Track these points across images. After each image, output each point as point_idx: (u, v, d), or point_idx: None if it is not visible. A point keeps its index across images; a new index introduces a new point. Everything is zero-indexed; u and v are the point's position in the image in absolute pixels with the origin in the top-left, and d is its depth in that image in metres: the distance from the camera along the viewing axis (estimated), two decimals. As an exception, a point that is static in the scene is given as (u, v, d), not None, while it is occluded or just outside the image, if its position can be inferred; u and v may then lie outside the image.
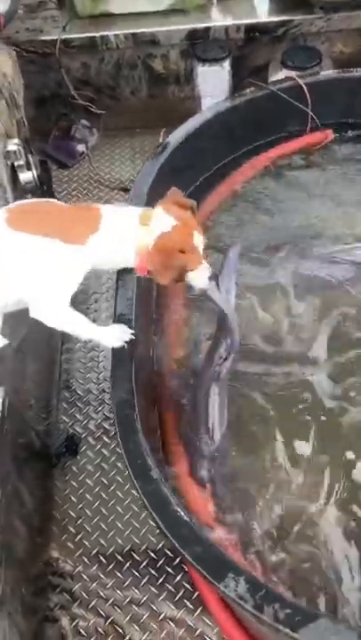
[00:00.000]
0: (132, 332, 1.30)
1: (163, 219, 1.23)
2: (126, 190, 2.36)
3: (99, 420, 1.73)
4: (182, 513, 0.99)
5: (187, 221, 1.25)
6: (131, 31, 2.29)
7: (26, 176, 1.63)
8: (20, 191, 1.64)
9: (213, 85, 2.31)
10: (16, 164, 1.59)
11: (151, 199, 1.54)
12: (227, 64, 2.28)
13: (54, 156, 2.41)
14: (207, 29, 2.30)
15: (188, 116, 2.08)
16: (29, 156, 1.63)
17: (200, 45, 2.30)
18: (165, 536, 0.98)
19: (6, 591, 1.14)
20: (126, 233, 1.24)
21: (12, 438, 1.28)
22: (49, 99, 2.42)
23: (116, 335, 1.27)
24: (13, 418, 1.28)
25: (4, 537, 1.17)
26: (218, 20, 2.34)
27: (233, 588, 0.90)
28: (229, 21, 2.33)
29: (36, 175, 1.63)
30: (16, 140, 1.59)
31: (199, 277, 1.28)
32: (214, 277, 1.32)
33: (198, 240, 1.25)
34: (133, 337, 1.29)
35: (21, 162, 1.60)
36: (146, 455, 1.07)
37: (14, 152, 1.57)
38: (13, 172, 1.60)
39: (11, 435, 1.27)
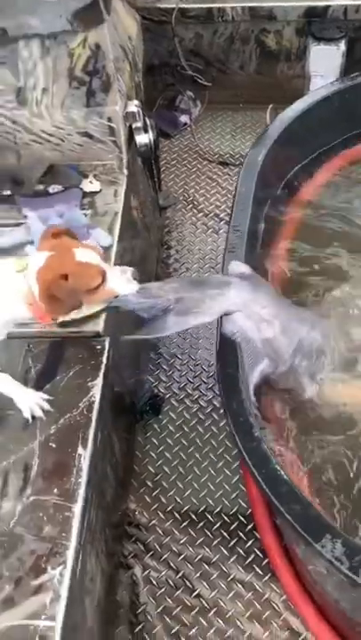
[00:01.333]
0: (47, 406, 1.22)
1: (36, 257, 1.16)
2: (225, 164, 2.39)
3: (182, 384, 1.78)
4: (282, 472, 1.03)
5: (61, 245, 1.17)
6: (249, 4, 2.29)
7: (142, 139, 1.67)
8: (133, 153, 1.70)
9: (326, 65, 2.29)
10: (134, 125, 1.64)
11: (264, 168, 1.57)
12: (342, 44, 2.26)
13: (157, 124, 2.46)
14: (326, 8, 2.27)
15: (294, 95, 2.07)
16: (147, 119, 1.68)
17: (316, 24, 2.28)
18: (265, 492, 1.02)
19: (96, 530, 1.21)
20: (5, 287, 1.16)
21: (111, 390, 1.34)
22: (158, 67, 2.46)
23: (30, 403, 1.22)
24: (113, 370, 1.35)
25: (99, 479, 1.23)
26: (337, -1, 2.33)
27: (330, 549, 0.93)
28: (349, 1, 2.29)
29: (152, 139, 1.69)
30: (136, 102, 1.63)
31: (115, 285, 1.17)
32: (135, 275, 1.21)
33: (85, 255, 1.16)
34: (42, 412, 1.21)
35: (139, 124, 1.65)
36: (248, 414, 1.11)
37: (134, 114, 1.62)
38: (130, 133, 1.66)
39: (111, 384, 1.34)
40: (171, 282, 1.31)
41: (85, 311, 1.22)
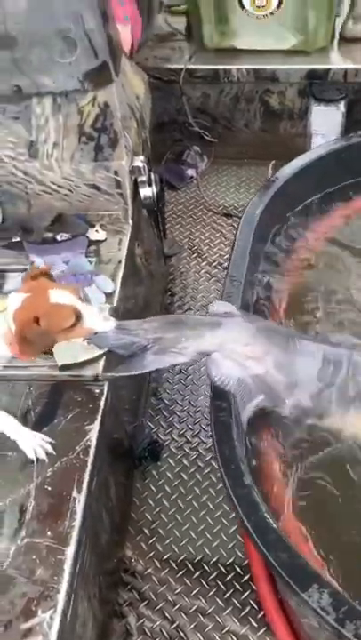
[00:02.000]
0: (50, 448, 1.22)
1: (14, 298, 1.21)
2: (228, 216, 2.46)
3: (182, 431, 1.79)
4: (271, 520, 1.03)
5: (37, 287, 1.21)
6: (253, 66, 2.39)
7: (146, 192, 1.73)
8: (137, 205, 1.76)
9: (326, 125, 2.37)
10: (139, 179, 1.70)
11: (261, 222, 1.62)
12: (342, 106, 2.35)
13: (165, 177, 2.54)
14: (326, 71, 2.38)
15: (296, 152, 2.13)
16: (151, 173, 1.75)
17: (318, 85, 2.37)
18: (253, 540, 1.02)
19: (89, 575, 1.21)
20: None
21: (110, 432, 1.36)
22: (167, 124, 2.56)
23: (34, 444, 1.23)
24: (112, 413, 1.36)
25: (93, 522, 1.24)
26: (337, 62, 2.42)
27: (316, 600, 0.92)
28: (349, 65, 2.39)
29: (155, 192, 1.75)
30: (142, 158, 1.70)
31: (92, 324, 1.21)
32: (113, 312, 1.26)
33: (59, 296, 1.19)
34: (46, 454, 1.22)
35: (144, 178, 1.71)
36: (240, 461, 1.11)
37: (139, 168, 1.68)
38: (135, 186, 1.72)
39: (109, 428, 1.35)
40: (149, 320, 1.31)
41: (84, 356, 1.26)
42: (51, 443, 1.24)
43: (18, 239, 1.65)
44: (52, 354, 1.29)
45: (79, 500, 1.16)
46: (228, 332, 1.27)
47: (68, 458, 1.22)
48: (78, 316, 1.19)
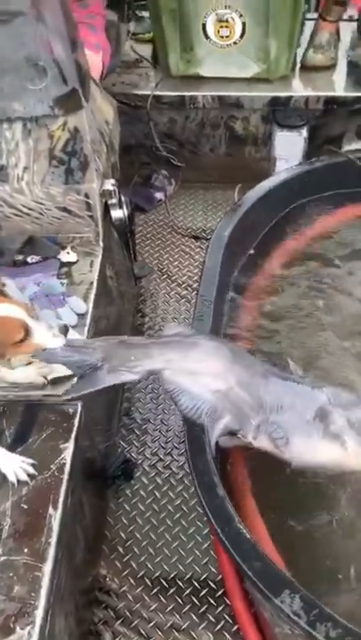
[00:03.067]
0: (31, 470, 1.24)
1: None
2: (197, 238, 2.51)
3: (155, 449, 1.81)
4: (244, 530, 1.07)
5: None
6: (218, 93, 2.46)
7: (117, 214, 1.78)
8: (108, 227, 1.80)
9: (289, 150, 2.46)
10: (110, 202, 1.75)
11: (230, 243, 1.67)
12: (304, 131, 2.44)
13: (134, 200, 2.58)
14: (288, 98, 2.46)
15: (261, 176, 2.21)
16: (122, 196, 1.79)
17: (280, 112, 2.46)
18: (227, 550, 1.05)
19: (65, 592, 1.22)
20: None
21: (82, 454, 1.38)
22: (134, 147, 2.61)
23: (14, 467, 1.24)
24: (84, 434, 1.38)
25: (69, 540, 1.25)
26: (299, 90, 2.51)
27: (288, 604, 0.96)
28: (310, 92, 2.49)
29: (126, 214, 1.79)
30: (112, 181, 1.74)
31: (41, 339, 1.21)
32: (64, 330, 1.26)
33: (7, 309, 1.20)
34: (28, 477, 1.23)
35: (114, 200, 1.76)
36: (213, 474, 1.15)
37: (110, 191, 1.73)
38: (106, 209, 1.76)
39: (83, 447, 1.37)
40: (98, 340, 1.34)
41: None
42: (32, 464, 1.26)
43: (-12, 261, 1.68)
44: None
45: (55, 517, 1.18)
46: (175, 350, 1.29)
47: (43, 476, 1.24)
48: (27, 331, 1.19)
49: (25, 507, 1.20)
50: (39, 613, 1.06)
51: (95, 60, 2.12)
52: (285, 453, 1.27)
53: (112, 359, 1.27)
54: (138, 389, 1.96)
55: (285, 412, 1.28)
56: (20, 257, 1.68)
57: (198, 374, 1.27)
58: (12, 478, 1.23)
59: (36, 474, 1.24)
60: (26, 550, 1.13)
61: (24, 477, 1.23)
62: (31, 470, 1.24)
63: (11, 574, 1.11)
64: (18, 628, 1.04)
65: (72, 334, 1.48)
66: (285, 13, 2.34)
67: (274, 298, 1.75)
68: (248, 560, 1.02)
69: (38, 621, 1.05)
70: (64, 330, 1.24)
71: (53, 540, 1.15)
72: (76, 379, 1.32)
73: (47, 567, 1.11)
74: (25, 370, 1.33)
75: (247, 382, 1.28)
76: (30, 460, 1.25)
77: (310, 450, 1.29)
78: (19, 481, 1.23)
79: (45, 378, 1.36)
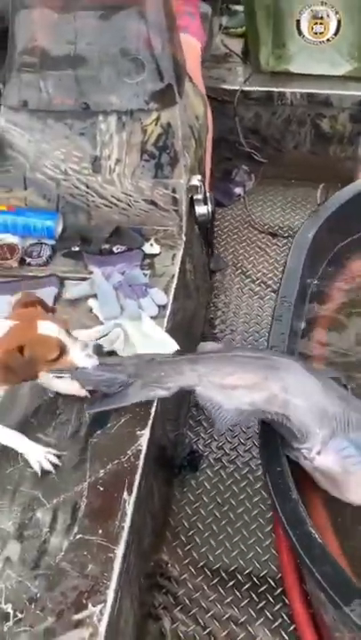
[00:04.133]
0: (57, 462, 1.26)
1: (1, 325, 1.20)
2: (274, 235, 2.51)
3: (221, 443, 1.84)
4: (316, 534, 1.08)
5: (27, 315, 1.22)
6: (307, 90, 2.45)
7: (201, 209, 1.80)
8: (191, 222, 1.83)
9: (377, 151, 2.44)
10: (195, 197, 1.78)
11: (315, 245, 1.67)
12: (393, 132, 2.41)
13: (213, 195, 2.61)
14: (379, 98, 2.44)
15: (345, 176, 2.19)
16: (207, 192, 1.81)
17: (370, 112, 2.44)
18: (298, 553, 1.06)
19: (133, 575, 1.26)
20: None
21: (156, 441, 1.41)
22: (217, 142, 2.62)
23: (39, 457, 1.26)
24: (157, 424, 1.41)
25: (139, 525, 1.29)
26: (390, 89, 2.48)
27: (359, 614, 0.97)
28: None
29: (210, 210, 1.81)
30: (199, 177, 1.76)
31: (75, 359, 1.22)
32: (97, 351, 1.24)
33: (47, 327, 1.19)
34: (52, 467, 1.26)
35: (199, 196, 1.78)
36: (287, 477, 1.16)
37: (196, 187, 1.75)
38: (191, 204, 1.78)
39: (156, 438, 1.41)
40: (128, 358, 1.35)
41: None
42: (102, 446, 1.31)
43: (77, 249, 1.73)
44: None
45: (129, 502, 1.21)
46: (205, 366, 1.27)
47: (120, 461, 1.28)
48: (62, 350, 1.20)
49: (101, 489, 1.24)
50: (110, 593, 1.10)
51: (196, 47, 2.14)
52: (350, 483, 1.21)
53: (143, 376, 1.28)
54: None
55: (353, 433, 1.22)
56: (107, 246, 1.73)
57: (232, 388, 1.23)
58: (36, 467, 1.26)
59: (60, 464, 1.27)
60: (100, 531, 1.17)
61: (48, 467, 1.26)
62: (55, 460, 1.27)
63: (85, 553, 1.15)
64: (90, 605, 1.08)
65: (150, 324, 1.52)
66: (383, 11, 2.30)
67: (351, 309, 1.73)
68: (319, 565, 1.03)
69: (109, 601, 1.09)
70: (98, 350, 1.25)
71: (127, 524, 1.18)
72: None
73: (119, 550, 1.15)
74: (70, 382, 1.36)
75: (299, 390, 1.23)
76: (54, 451, 1.28)
77: None
78: (43, 470, 1.26)
79: (88, 391, 1.39)
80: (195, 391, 1.26)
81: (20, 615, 1.08)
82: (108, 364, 1.31)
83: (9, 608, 1.08)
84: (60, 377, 1.33)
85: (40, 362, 1.20)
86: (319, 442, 1.21)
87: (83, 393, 1.39)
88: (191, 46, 2.12)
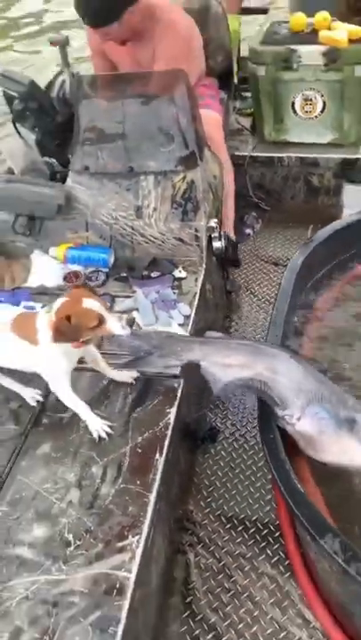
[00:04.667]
0: (110, 431, 1.30)
1: (58, 302, 1.24)
2: (276, 264, 2.50)
3: (234, 421, 1.84)
4: (299, 486, 1.09)
5: (74, 295, 1.24)
6: (300, 155, 2.47)
7: (217, 245, 1.83)
8: (210, 253, 1.86)
9: (354, 200, 2.41)
10: (213, 235, 1.81)
11: (302, 270, 1.69)
12: (368, 185, 2.40)
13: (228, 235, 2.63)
14: (356, 159, 2.42)
15: (330, 219, 2.19)
16: (222, 232, 1.85)
17: (349, 170, 2.43)
18: (286, 500, 1.07)
19: (163, 517, 1.28)
20: (42, 322, 1.25)
21: (182, 417, 1.44)
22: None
23: (97, 427, 1.30)
24: (183, 404, 1.44)
25: (168, 479, 1.31)
26: (366, 153, 2.48)
27: (330, 545, 0.98)
28: (374, 156, 2.45)
29: (223, 245, 1.84)
30: (215, 220, 1.80)
31: (111, 327, 1.22)
32: (130, 323, 1.26)
33: (89, 303, 1.20)
34: (107, 436, 1.29)
35: (216, 234, 1.82)
36: (277, 440, 1.17)
37: (213, 227, 1.79)
38: (209, 241, 1.82)
39: (182, 412, 1.44)
40: (154, 333, 1.36)
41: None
42: (138, 419, 1.34)
43: (124, 275, 1.78)
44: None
45: (160, 461, 1.25)
46: (210, 347, 1.30)
47: (153, 430, 1.31)
48: (101, 320, 1.21)
49: (139, 451, 1.28)
50: (145, 528, 1.13)
51: (218, 119, 2.18)
52: (323, 443, 1.21)
53: (163, 348, 1.31)
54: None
55: (325, 403, 1.23)
56: (146, 272, 1.77)
57: (227, 366, 1.26)
58: (95, 435, 1.30)
59: (113, 433, 1.31)
60: (138, 482, 1.21)
61: (104, 435, 1.30)
62: (109, 430, 1.30)
63: (127, 498, 1.19)
64: (130, 536, 1.11)
65: (177, 329, 1.56)
66: (357, 96, 2.31)
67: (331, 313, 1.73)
68: (301, 509, 1.04)
69: (144, 534, 1.12)
70: (130, 322, 1.27)
71: (158, 476, 1.22)
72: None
73: (152, 496, 1.18)
74: (122, 373, 1.41)
75: (282, 370, 1.23)
76: (109, 423, 1.31)
77: (338, 447, 1.22)
78: (100, 437, 1.30)
79: (134, 379, 1.43)
80: (200, 365, 1.28)
81: (78, 542, 1.12)
82: (138, 334, 1.33)
83: (71, 537, 1.13)
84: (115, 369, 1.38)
85: (83, 328, 1.21)
86: (298, 409, 1.21)
87: (130, 380, 1.43)
88: (214, 119, 2.15)
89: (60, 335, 1.21)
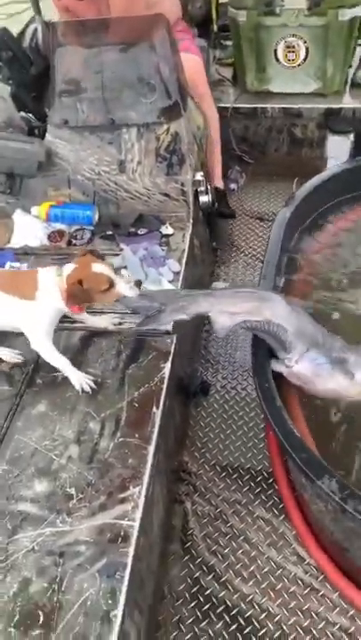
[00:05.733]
0: (94, 386, 1.30)
1: (68, 267, 1.26)
2: (261, 219, 2.48)
3: (225, 375, 1.85)
4: (295, 430, 1.10)
5: (83, 261, 1.25)
6: (283, 105, 2.41)
7: (204, 199, 1.79)
8: (197, 208, 1.82)
9: (338, 151, 2.37)
10: (199, 189, 1.77)
11: (289, 224, 1.66)
12: (351, 136, 2.34)
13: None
14: (340, 109, 2.37)
15: (314, 172, 2.14)
16: (208, 185, 1.80)
17: (333, 120, 2.37)
18: (282, 445, 1.09)
19: (161, 468, 1.30)
20: (52, 286, 1.25)
21: (175, 372, 1.44)
22: (216, 148, 2.60)
23: (80, 380, 1.30)
24: (176, 359, 1.43)
25: (165, 431, 1.32)
26: (349, 103, 2.40)
27: (327, 485, 1.00)
28: (357, 105, 2.38)
29: (210, 199, 1.80)
30: (201, 173, 1.75)
31: (121, 290, 1.24)
32: (138, 284, 1.26)
33: (99, 268, 1.23)
34: (90, 389, 1.30)
35: (202, 188, 1.77)
36: (272, 388, 1.18)
37: (199, 181, 1.74)
38: (196, 195, 1.78)
39: (176, 367, 1.43)
40: (161, 291, 1.37)
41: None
42: (135, 375, 1.33)
43: (110, 232, 1.74)
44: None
45: (157, 414, 1.25)
46: (216, 298, 1.29)
47: (149, 385, 1.31)
48: (111, 283, 1.23)
49: (136, 405, 1.28)
50: (145, 479, 1.14)
51: (199, 61, 2.08)
52: (317, 383, 1.25)
53: (171, 304, 1.31)
54: (213, 336, 1.99)
55: (320, 347, 1.26)
56: (133, 229, 1.73)
57: (234, 313, 1.26)
58: (77, 388, 1.30)
59: (96, 388, 1.31)
60: (136, 435, 1.22)
61: (87, 389, 1.30)
62: (93, 385, 1.31)
63: (126, 451, 1.19)
64: (131, 487, 1.13)
65: (168, 286, 1.54)
66: (340, 41, 2.24)
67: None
68: (298, 452, 1.06)
69: (145, 484, 1.13)
70: (138, 283, 1.27)
71: (155, 429, 1.22)
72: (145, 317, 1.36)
73: (151, 448, 1.19)
74: (102, 318, 1.41)
75: (284, 316, 1.25)
76: (92, 377, 1.32)
77: (330, 382, 1.26)
78: (83, 390, 1.30)
79: (115, 325, 1.44)
80: (209, 315, 1.28)
81: (80, 495, 1.13)
82: (146, 294, 1.33)
83: (73, 491, 1.14)
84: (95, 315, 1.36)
85: (95, 291, 1.24)
86: (298, 353, 1.24)
87: (111, 326, 1.43)
88: (195, 61, 2.05)
89: (73, 300, 1.24)
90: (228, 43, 2.64)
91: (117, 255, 1.63)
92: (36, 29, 1.96)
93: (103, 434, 1.23)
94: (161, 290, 1.42)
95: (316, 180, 1.86)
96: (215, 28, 2.62)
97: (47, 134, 1.74)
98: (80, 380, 1.31)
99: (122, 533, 1.05)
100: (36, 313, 1.27)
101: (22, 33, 2.03)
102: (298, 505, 1.44)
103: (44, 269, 1.29)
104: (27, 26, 2.05)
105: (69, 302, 1.25)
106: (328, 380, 1.24)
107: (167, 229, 1.73)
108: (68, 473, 1.17)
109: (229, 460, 1.62)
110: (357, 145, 2.37)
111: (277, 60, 2.36)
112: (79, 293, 1.23)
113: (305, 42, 2.29)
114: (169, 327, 1.41)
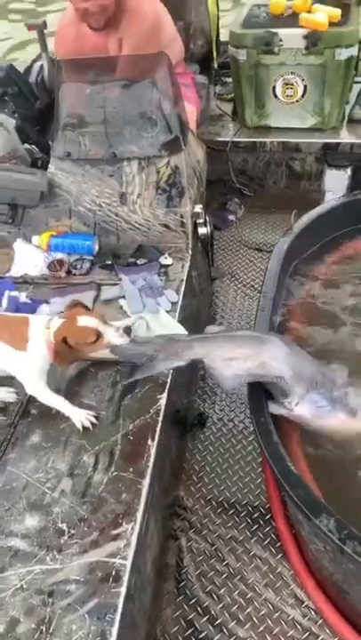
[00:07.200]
0: (95, 421, 1.29)
1: (56, 321, 1.26)
2: (259, 250, 2.51)
3: (222, 407, 1.84)
4: (293, 467, 1.09)
5: (71, 315, 1.26)
6: (282, 140, 2.45)
7: (202, 230, 1.82)
8: (195, 240, 1.84)
9: (336, 185, 2.42)
10: (198, 221, 1.79)
11: (287, 256, 1.68)
12: (349, 170, 2.38)
13: (212, 220, 2.61)
14: (337, 144, 2.41)
15: (312, 204, 2.18)
16: (207, 217, 1.83)
17: (330, 154, 2.41)
18: (279, 482, 1.07)
19: (156, 503, 1.28)
20: (41, 339, 1.25)
21: (172, 404, 1.43)
22: (215, 181, 2.61)
23: (80, 418, 1.29)
24: (173, 391, 1.43)
25: (160, 466, 1.30)
26: (346, 138, 2.44)
27: (325, 524, 0.98)
28: (354, 140, 2.42)
29: (209, 231, 1.83)
30: (200, 205, 1.78)
31: (110, 338, 1.24)
32: (127, 331, 1.27)
33: (84, 321, 1.23)
34: (92, 425, 1.28)
35: (201, 220, 1.80)
36: (269, 424, 1.17)
37: (198, 213, 1.77)
38: (195, 227, 1.80)
39: (171, 400, 1.42)
40: (153, 338, 1.36)
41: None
42: (130, 406, 1.32)
43: (110, 262, 1.76)
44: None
45: (152, 447, 1.24)
46: (211, 343, 1.29)
47: (144, 417, 1.30)
48: (99, 335, 1.23)
49: (131, 438, 1.26)
50: (138, 515, 1.12)
51: (193, 111, 2.15)
52: (322, 423, 1.23)
53: (165, 350, 1.29)
54: (211, 362, 1.99)
55: (320, 388, 1.25)
56: (132, 259, 1.75)
57: (230, 359, 1.24)
58: (78, 425, 1.29)
59: (97, 423, 1.29)
60: (131, 469, 1.20)
61: (88, 425, 1.29)
62: (94, 420, 1.29)
63: (120, 485, 1.17)
64: (124, 524, 1.11)
65: (166, 316, 1.55)
66: (337, 79, 2.30)
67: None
68: (295, 489, 1.04)
69: (138, 520, 1.11)
70: (128, 331, 1.28)
71: (150, 463, 1.21)
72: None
73: (146, 482, 1.17)
74: (104, 352, 1.36)
75: (283, 359, 1.23)
76: (93, 413, 1.30)
77: (333, 421, 1.25)
78: (84, 427, 1.28)
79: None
80: (204, 362, 1.27)
81: (72, 531, 1.10)
82: (138, 342, 1.33)
83: (64, 526, 1.12)
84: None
85: (82, 346, 1.24)
86: (297, 396, 1.23)
87: (113, 357, 1.37)
88: (189, 111, 2.13)
89: (60, 359, 1.25)
90: (229, 79, 2.71)
91: (116, 285, 1.64)
92: (42, 66, 2.03)
93: (97, 467, 1.21)
94: (155, 336, 1.40)
95: (314, 213, 1.89)
96: (216, 64, 2.71)
97: (50, 166, 1.78)
98: (80, 417, 1.30)
99: (113, 573, 1.03)
100: (27, 362, 1.27)
101: (29, 68, 2.10)
102: (296, 543, 1.41)
103: (35, 318, 1.29)
104: (33, 62, 2.13)
105: (56, 360, 1.26)
106: (330, 420, 1.23)
107: (166, 260, 1.75)
108: (61, 507, 1.15)
109: (226, 495, 1.59)
110: (355, 179, 2.42)
111: (276, 96, 2.43)
112: (65, 353, 1.24)
113: (303, 79, 2.36)
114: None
